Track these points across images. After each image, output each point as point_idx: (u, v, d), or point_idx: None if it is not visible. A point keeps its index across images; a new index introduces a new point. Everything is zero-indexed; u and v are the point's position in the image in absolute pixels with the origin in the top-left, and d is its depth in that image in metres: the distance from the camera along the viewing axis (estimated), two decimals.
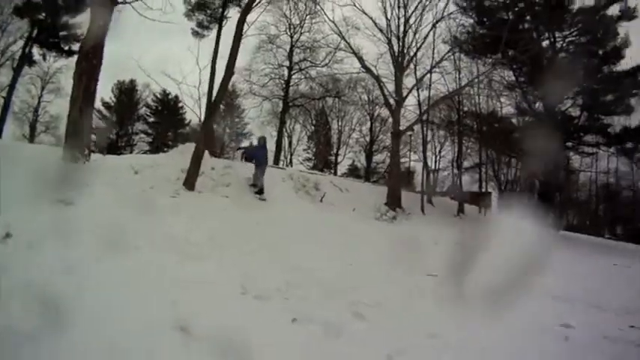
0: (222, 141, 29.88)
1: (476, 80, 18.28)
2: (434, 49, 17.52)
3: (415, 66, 17.34)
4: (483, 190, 21.56)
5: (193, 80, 17.45)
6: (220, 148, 28.62)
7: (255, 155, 12.41)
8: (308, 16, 22.64)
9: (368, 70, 16.93)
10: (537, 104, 21.38)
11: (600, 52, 20.90)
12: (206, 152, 11.12)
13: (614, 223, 29.60)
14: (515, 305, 4.99)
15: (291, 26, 23.67)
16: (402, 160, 22.92)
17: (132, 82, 32.14)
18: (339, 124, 30.31)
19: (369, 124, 28.85)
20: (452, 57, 18.63)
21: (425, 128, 18.67)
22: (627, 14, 20.23)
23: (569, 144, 22.27)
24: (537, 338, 4.55)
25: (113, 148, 28.42)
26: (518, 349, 4.19)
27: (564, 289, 6.80)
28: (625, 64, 20.83)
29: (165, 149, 15.69)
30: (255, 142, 14.14)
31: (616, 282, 9.33)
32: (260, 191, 11.67)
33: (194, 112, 22.52)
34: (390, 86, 16.51)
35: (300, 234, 8.60)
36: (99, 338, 3.03)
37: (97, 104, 26.62)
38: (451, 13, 17.77)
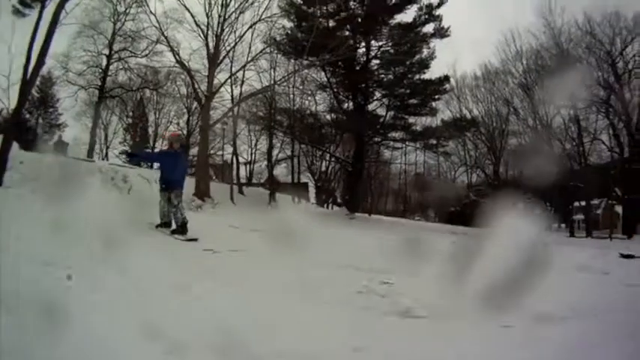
0: (35, 132, 27.55)
1: (287, 79, 19.99)
2: (250, 47, 18.36)
3: (231, 62, 18.19)
4: (299, 181, 23.82)
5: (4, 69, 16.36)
6: (33, 140, 26.34)
7: (165, 168, 8.37)
8: (135, 4, 21.74)
9: (182, 65, 17.32)
10: (348, 103, 24.40)
11: (409, 62, 24.13)
12: (15, 145, 10.42)
13: (426, 207, 35.08)
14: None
15: (116, 13, 22.54)
16: (218, 152, 24.22)
17: None
18: (157, 116, 29.80)
19: (186, 117, 28.69)
20: (269, 56, 20.04)
21: (235, 122, 19.78)
22: (440, 33, 23.66)
23: (377, 139, 25.62)
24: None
25: None
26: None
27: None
28: (430, 74, 24.43)
29: None
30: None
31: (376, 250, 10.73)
32: (182, 227, 8.02)
33: (2, 103, 20.44)
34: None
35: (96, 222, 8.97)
36: None
37: None
38: (271, 17, 18.52)
